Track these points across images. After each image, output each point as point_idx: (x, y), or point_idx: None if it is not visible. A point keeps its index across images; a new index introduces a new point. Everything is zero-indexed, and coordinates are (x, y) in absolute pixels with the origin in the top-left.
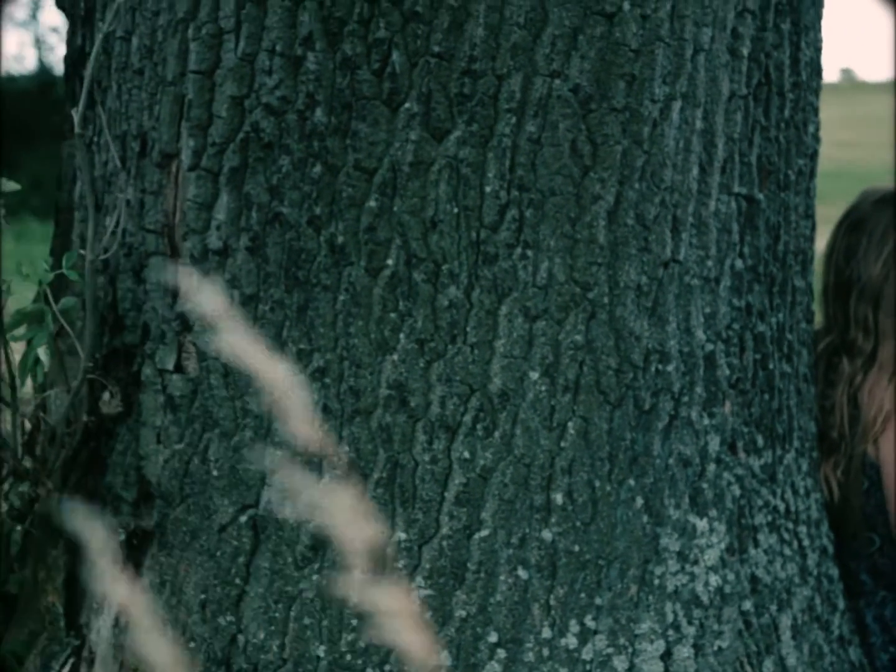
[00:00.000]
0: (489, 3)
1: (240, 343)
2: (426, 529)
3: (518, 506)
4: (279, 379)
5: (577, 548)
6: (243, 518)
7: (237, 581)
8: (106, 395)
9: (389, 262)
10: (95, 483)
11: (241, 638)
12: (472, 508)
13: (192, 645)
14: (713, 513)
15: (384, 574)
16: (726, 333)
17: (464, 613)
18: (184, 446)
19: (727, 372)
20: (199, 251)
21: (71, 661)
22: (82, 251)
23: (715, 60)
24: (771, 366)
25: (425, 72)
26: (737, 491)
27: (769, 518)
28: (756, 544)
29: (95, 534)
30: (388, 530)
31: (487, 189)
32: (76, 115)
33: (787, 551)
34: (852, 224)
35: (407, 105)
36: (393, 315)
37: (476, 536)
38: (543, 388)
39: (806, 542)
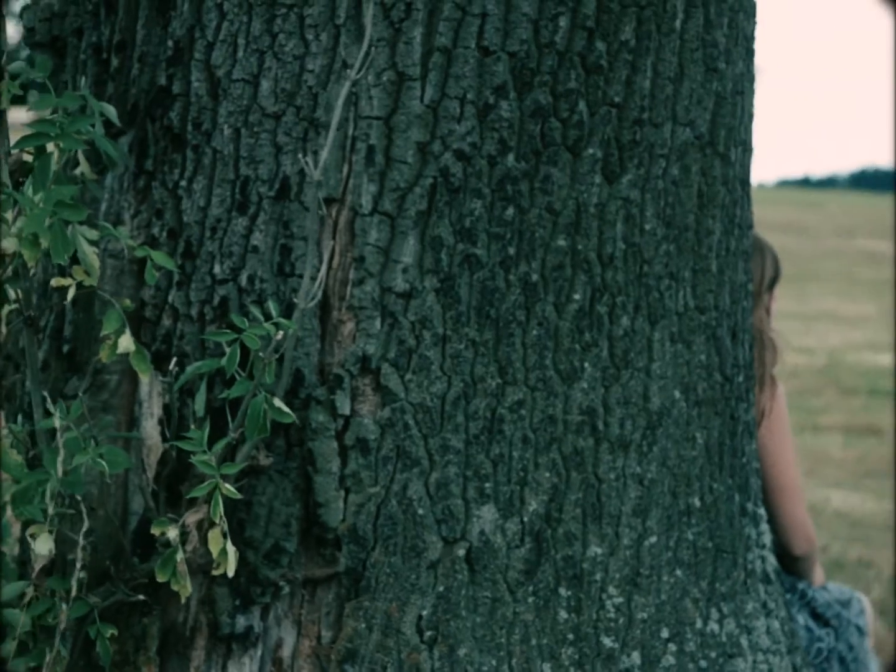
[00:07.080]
0: (652, 60)
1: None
2: (613, 542)
3: (671, 512)
4: None
5: (709, 544)
6: (460, 552)
7: (463, 613)
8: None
9: (577, 296)
10: None
11: (470, 669)
12: (642, 518)
13: None
14: (758, 501)
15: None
16: (749, 344)
17: (644, 615)
18: (378, 489)
19: (752, 379)
20: (377, 294)
21: None
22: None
23: (747, 111)
24: None
25: (606, 120)
26: (756, 479)
27: (760, 500)
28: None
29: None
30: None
31: (647, 227)
32: (309, 163)
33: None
34: None
35: (590, 150)
36: (578, 346)
37: (646, 543)
38: (683, 403)
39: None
